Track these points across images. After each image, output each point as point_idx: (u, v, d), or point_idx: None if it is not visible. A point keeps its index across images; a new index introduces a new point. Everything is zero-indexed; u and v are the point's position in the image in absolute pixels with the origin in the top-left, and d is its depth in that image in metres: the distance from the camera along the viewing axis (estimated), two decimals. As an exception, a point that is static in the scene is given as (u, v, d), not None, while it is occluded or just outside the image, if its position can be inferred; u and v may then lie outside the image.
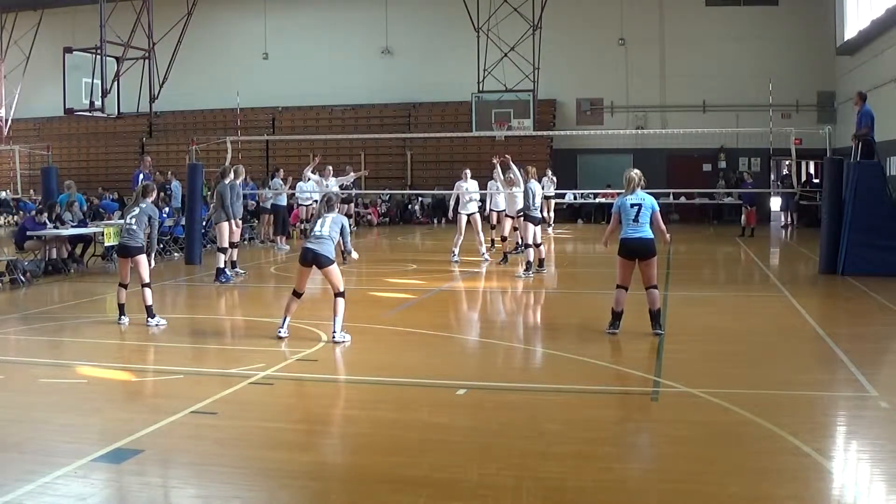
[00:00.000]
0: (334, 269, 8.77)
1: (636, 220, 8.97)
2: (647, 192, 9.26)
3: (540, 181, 16.35)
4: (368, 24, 30.62)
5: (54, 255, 14.88)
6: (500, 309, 11.97)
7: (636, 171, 9.24)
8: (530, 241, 14.13)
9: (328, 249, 8.74)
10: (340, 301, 8.77)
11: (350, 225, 17.14)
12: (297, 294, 8.94)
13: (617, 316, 9.08)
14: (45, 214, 14.89)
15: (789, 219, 26.15)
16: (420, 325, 9.81)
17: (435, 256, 18.51)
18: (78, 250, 15.70)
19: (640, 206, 9.01)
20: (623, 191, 9.24)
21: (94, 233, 15.75)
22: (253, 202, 22.89)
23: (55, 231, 14.78)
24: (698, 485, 4.89)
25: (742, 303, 11.81)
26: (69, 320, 10.48)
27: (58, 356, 8.62)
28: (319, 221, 8.89)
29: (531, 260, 14.08)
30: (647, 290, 9.06)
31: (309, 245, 8.79)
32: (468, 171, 16.32)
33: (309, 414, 6.40)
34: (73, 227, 15.51)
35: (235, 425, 6.04)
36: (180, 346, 9.06)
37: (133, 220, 9.86)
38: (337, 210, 9.14)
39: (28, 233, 14.62)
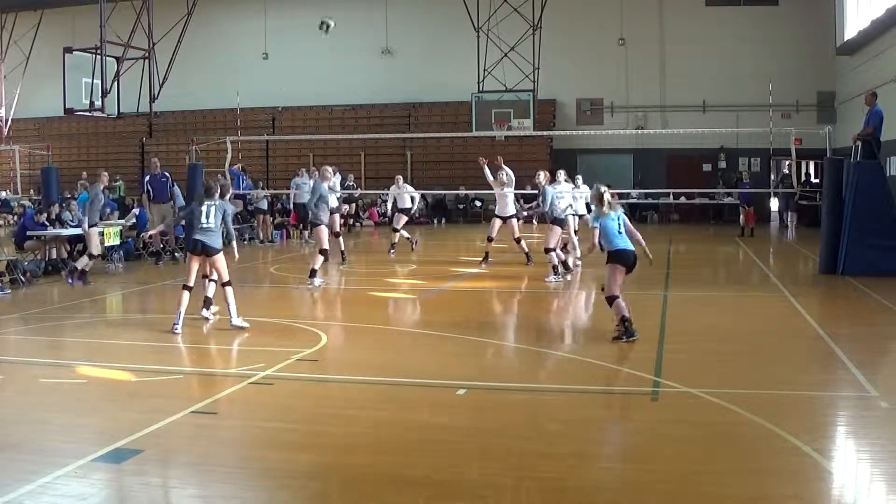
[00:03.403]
0: (220, 258, 9.55)
1: (621, 231, 9.01)
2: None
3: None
4: (368, 24, 30.61)
5: (54, 255, 14.88)
6: (499, 309, 11.97)
7: (605, 188, 9.20)
8: (552, 245, 13.62)
9: (215, 240, 9.49)
10: (229, 290, 9.50)
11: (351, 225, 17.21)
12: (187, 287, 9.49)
13: (629, 323, 8.75)
14: (45, 215, 14.88)
15: (789, 219, 26.14)
16: (420, 325, 9.81)
17: (435, 256, 18.52)
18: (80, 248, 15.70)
19: (619, 220, 9.08)
20: (595, 209, 9.21)
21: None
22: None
23: (55, 231, 14.78)
24: (698, 485, 4.89)
25: (742, 303, 11.81)
26: (69, 320, 10.48)
27: (58, 356, 8.62)
28: (204, 211, 9.49)
29: (556, 264, 13.56)
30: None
31: (197, 236, 9.48)
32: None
33: (309, 414, 6.40)
34: (72, 227, 15.51)
35: (235, 425, 6.05)
36: (180, 346, 9.06)
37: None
38: (217, 197, 9.67)
39: (28, 233, 14.61)
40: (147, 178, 17.01)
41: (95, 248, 13.62)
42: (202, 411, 6.24)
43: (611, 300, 8.83)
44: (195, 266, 9.73)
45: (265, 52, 31.76)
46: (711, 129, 24.44)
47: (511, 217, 15.47)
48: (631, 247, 8.99)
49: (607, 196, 9.09)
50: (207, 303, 10.13)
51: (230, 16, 31.51)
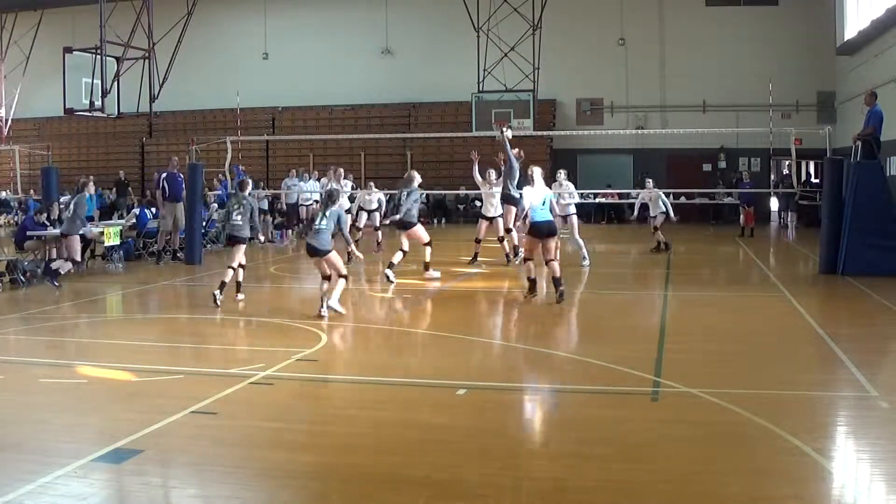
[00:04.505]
0: (331, 256, 10.21)
1: (543, 207, 11.26)
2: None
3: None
4: (368, 24, 30.61)
5: (54, 255, 14.86)
6: (499, 309, 11.96)
7: (538, 168, 11.66)
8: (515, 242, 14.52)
9: (324, 242, 10.19)
10: (342, 281, 10.28)
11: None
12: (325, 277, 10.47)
13: (534, 283, 11.34)
14: (45, 215, 14.86)
15: (789, 219, 26.13)
16: (420, 325, 9.81)
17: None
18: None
19: (545, 197, 11.36)
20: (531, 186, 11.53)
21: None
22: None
23: (55, 231, 14.75)
24: (698, 485, 4.89)
25: (742, 303, 11.81)
26: (69, 320, 10.48)
27: (58, 356, 8.62)
28: (321, 214, 10.43)
29: (508, 252, 14.73)
30: (548, 262, 11.18)
31: (308, 240, 10.43)
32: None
33: (309, 414, 6.40)
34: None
35: (235, 425, 6.04)
36: (180, 346, 9.07)
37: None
38: (338, 204, 10.71)
39: (28, 233, 14.60)
40: (164, 174, 16.99)
41: (76, 255, 13.63)
42: (202, 411, 6.24)
43: (525, 259, 11.39)
44: (319, 268, 10.49)
45: (265, 52, 31.75)
46: (711, 129, 24.44)
47: (497, 217, 15.49)
48: (546, 218, 11.22)
49: (537, 176, 11.50)
50: (238, 287, 11.40)
51: (230, 16, 31.50)
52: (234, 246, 11.55)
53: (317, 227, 10.42)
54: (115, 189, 27.34)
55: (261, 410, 6.46)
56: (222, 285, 11.21)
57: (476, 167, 15.72)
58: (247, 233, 11.49)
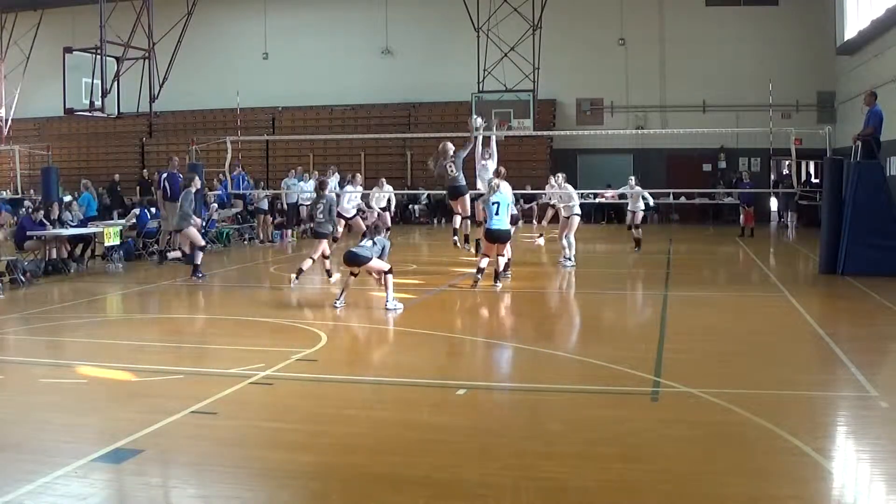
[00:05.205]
0: (373, 264, 10.71)
1: (497, 213, 12.15)
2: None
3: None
4: (368, 24, 30.62)
5: (54, 255, 14.87)
6: (499, 309, 11.96)
7: (497, 181, 12.59)
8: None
9: (364, 253, 10.67)
10: (389, 277, 10.77)
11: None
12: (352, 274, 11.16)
13: (481, 271, 12.49)
14: (42, 214, 14.87)
15: (789, 219, 26.14)
16: (420, 325, 9.81)
17: (435, 256, 18.51)
18: (77, 250, 15.68)
19: (498, 203, 12.18)
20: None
21: (94, 233, 15.74)
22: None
23: (55, 231, 14.77)
24: (698, 485, 4.89)
25: (742, 303, 11.81)
26: (69, 320, 10.48)
27: (58, 356, 8.62)
28: (367, 239, 11.09)
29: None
30: (498, 255, 12.49)
31: (352, 249, 11.04)
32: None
33: (309, 414, 6.40)
34: (72, 227, 15.51)
35: (235, 425, 6.04)
36: (180, 346, 9.06)
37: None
38: (383, 235, 11.20)
39: (28, 233, 14.60)
40: (164, 175, 16.96)
41: (200, 241, 14.42)
42: (202, 411, 6.24)
43: (484, 255, 12.65)
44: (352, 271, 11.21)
45: (265, 52, 31.75)
46: (711, 129, 24.43)
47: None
48: (501, 227, 12.23)
49: (493, 185, 12.44)
50: (298, 273, 12.66)
51: (230, 16, 31.50)
52: (318, 239, 13.25)
53: (361, 243, 11.06)
54: (138, 188, 27.39)
55: (261, 410, 6.46)
56: (299, 272, 12.70)
57: (479, 143, 14.74)
58: (328, 228, 13.17)
